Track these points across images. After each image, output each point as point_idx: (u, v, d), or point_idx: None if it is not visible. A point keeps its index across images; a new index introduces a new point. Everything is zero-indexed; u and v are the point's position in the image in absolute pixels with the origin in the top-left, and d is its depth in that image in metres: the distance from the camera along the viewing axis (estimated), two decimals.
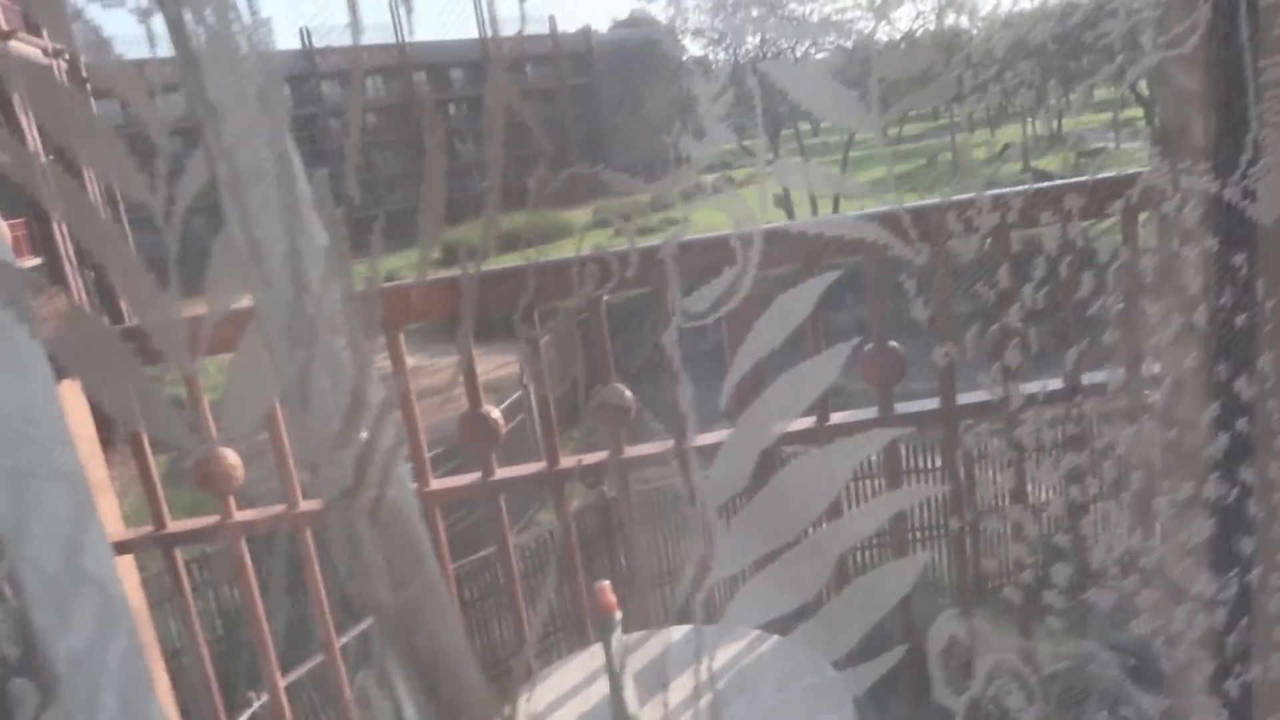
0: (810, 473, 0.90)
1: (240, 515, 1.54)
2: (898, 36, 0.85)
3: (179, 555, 1.56)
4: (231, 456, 1.49)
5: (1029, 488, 1.29)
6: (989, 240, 0.93)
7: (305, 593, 1.63)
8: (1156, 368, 0.87)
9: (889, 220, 0.87)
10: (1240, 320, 0.75)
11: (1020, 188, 1.00)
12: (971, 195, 0.91)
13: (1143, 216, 1.28)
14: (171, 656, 1.69)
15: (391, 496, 0.71)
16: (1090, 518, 0.99)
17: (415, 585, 0.75)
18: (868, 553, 3.14)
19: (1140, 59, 0.78)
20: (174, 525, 1.54)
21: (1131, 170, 0.97)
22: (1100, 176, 0.96)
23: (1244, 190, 0.72)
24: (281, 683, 1.60)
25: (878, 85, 0.76)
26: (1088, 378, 1.00)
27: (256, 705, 3.82)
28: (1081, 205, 0.88)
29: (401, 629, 0.74)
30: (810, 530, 0.89)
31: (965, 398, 1.65)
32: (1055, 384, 1.01)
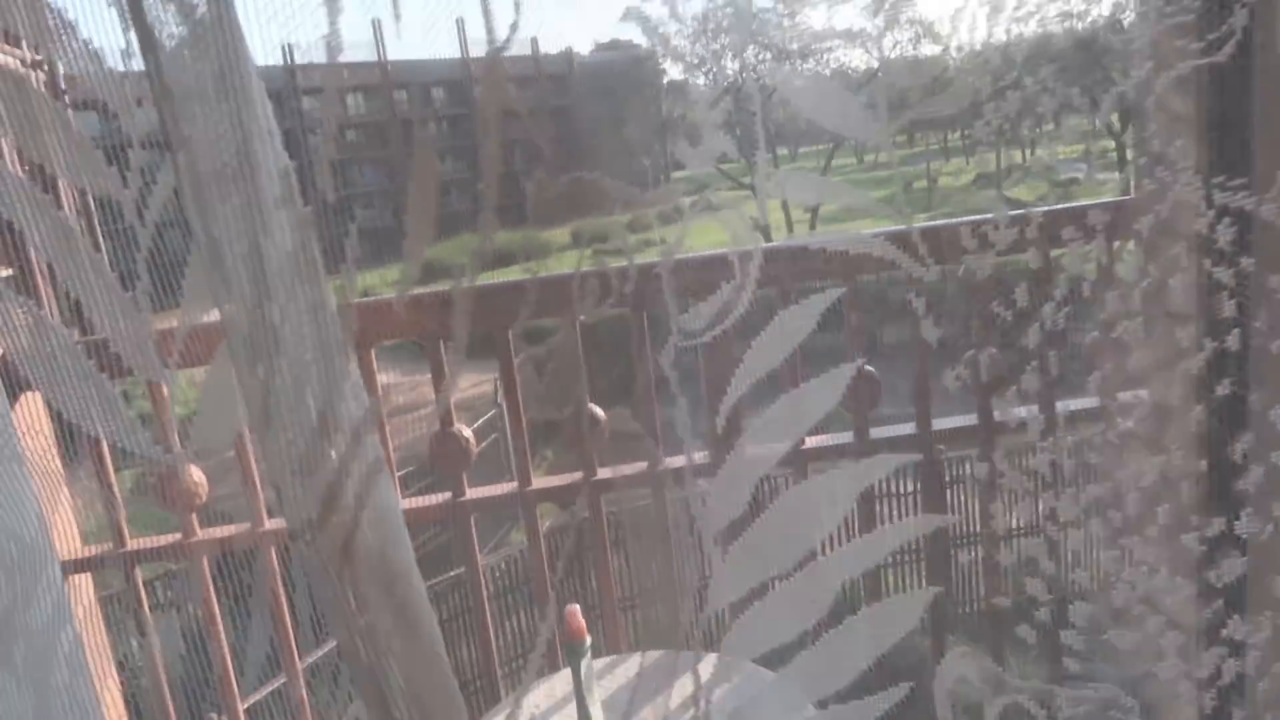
0: (811, 500, 0.89)
1: (204, 534, 1.52)
2: (875, 65, 0.86)
3: (139, 574, 1.53)
4: (196, 473, 1.47)
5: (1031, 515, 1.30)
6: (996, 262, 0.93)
7: (268, 612, 1.61)
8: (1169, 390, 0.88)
9: (899, 239, 0.87)
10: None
11: (1041, 208, 1.00)
12: (989, 216, 0.91)
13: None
14: (131, 676, 1.65)
15: (366, 527, 0.68)
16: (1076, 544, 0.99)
17: (385, 611, 0.73)
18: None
19: (1118, 90, 0.80)
20: (134, 543, 1.51)
21: (1107, 199, 0.98)
22: (1123, 199, 0.96)
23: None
24: (242, 705, 1.58)
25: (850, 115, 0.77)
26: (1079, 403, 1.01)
27: None
28: (1106, 223, 0.87)
29: (373, 659, 0.72)
30: (808, 559, 0.87)
31: (946, 422, 1.66)
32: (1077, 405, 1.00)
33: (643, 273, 0.85)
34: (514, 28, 0.65)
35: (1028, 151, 1.11)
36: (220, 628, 1.51)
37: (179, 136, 0.62)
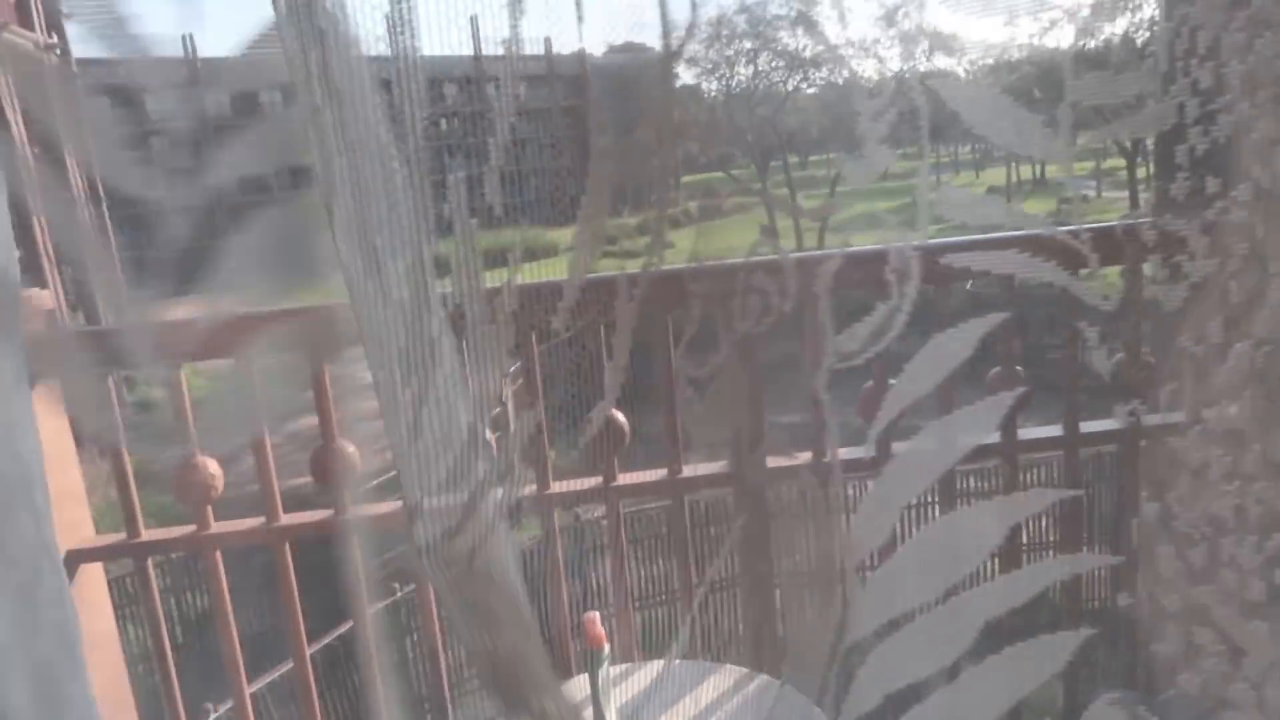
0: (957, 532, 0.86)
1: (218, 527, 1.51)
2: (888, 75, 0.86)
3: (150, 564, 1.53)
4: (212, 465, 1.46)
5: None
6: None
7: (265, 604, 1.60)
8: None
9: (1049, 244, 0.84)
10: None
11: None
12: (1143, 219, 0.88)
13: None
14: (132, 663, 1.65)
15: (500, 539, 0.66)
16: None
17: (513, 629, 0.71)
18: None
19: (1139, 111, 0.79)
20: (148, 534, 1.50)
21: (1115, 218, 0.98)
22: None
23: None
24: (248, 691, 1.57)
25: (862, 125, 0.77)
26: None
27: (213, 717, 3.75)
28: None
29: (507, 673, 0.70)
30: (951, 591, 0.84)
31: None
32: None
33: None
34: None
35: (1036, 168, 1.10)
36: (230, 618, 1.51)
37: (345, 141, 0.59)
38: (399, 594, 4.53)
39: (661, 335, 1.46)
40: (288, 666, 1.64)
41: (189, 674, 1.61)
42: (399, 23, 0.58)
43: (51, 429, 1.39)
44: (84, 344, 1.35)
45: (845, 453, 1.35)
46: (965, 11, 0.84)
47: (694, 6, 0.79)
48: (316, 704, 1.59)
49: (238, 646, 1.52)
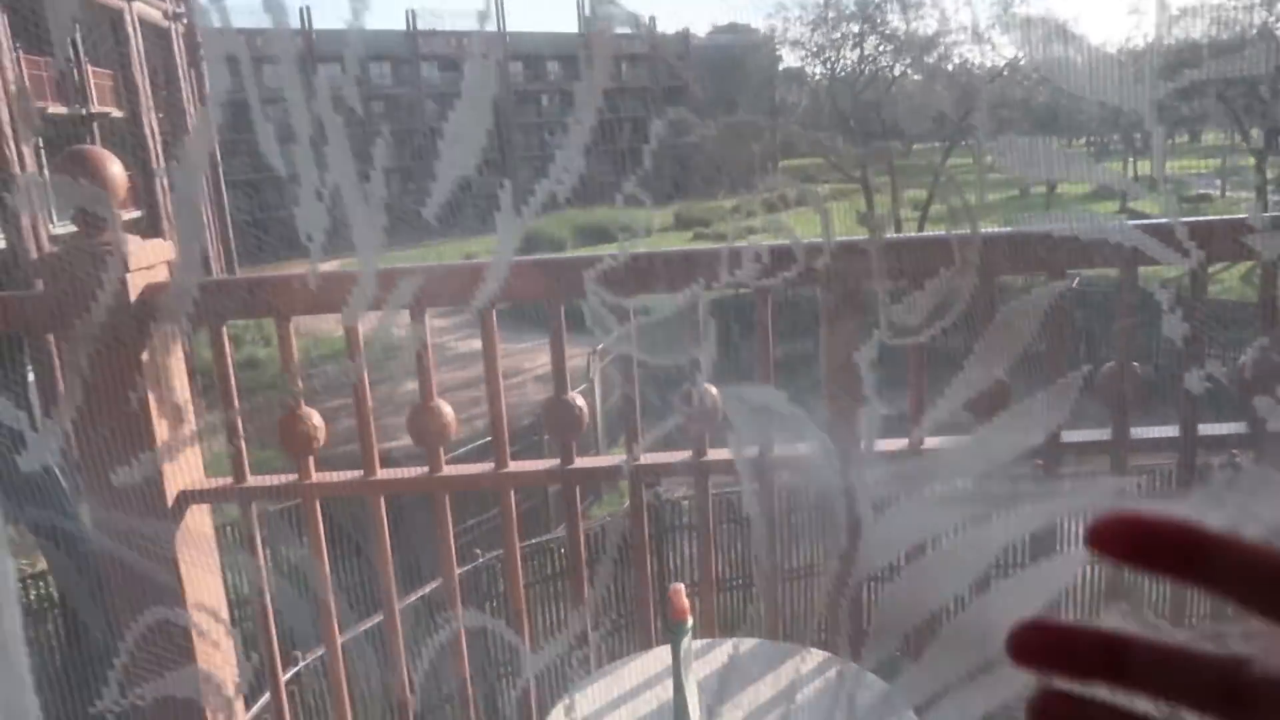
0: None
1: (318, 477, 1.56)
2: (1001, 63, 0.83)
3: (255, 510, 1.59)
4: (315, 417, 1.51)
5: None
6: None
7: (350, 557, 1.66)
8: None
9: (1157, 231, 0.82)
10: None
11: None
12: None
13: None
14: (232, 609, 1.73)
15: None
16: None
17: None
18: None
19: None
20: (253, 480, 1.57)
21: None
22: None
23: None
24: (340, 640, 1.64)
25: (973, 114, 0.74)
26: None
27: (301, 665, 3.92)
28: None
29: None
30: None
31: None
32: None
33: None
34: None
35: (1156, 163, 1.05)
36: (325, 568, 1.57)
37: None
38: (481, 559, 4.63)
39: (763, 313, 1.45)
40: (377, 619, 1.69)
41: (283, 622, 1.67)
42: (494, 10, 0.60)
43: (172, 376, 1.46)
44: (202, 293, 1.40)
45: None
46: None
47: None
48: (403, 657, 1.64)
49: (331, 594, 1.58)
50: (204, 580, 1.56)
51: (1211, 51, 0.80)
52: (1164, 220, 0.88)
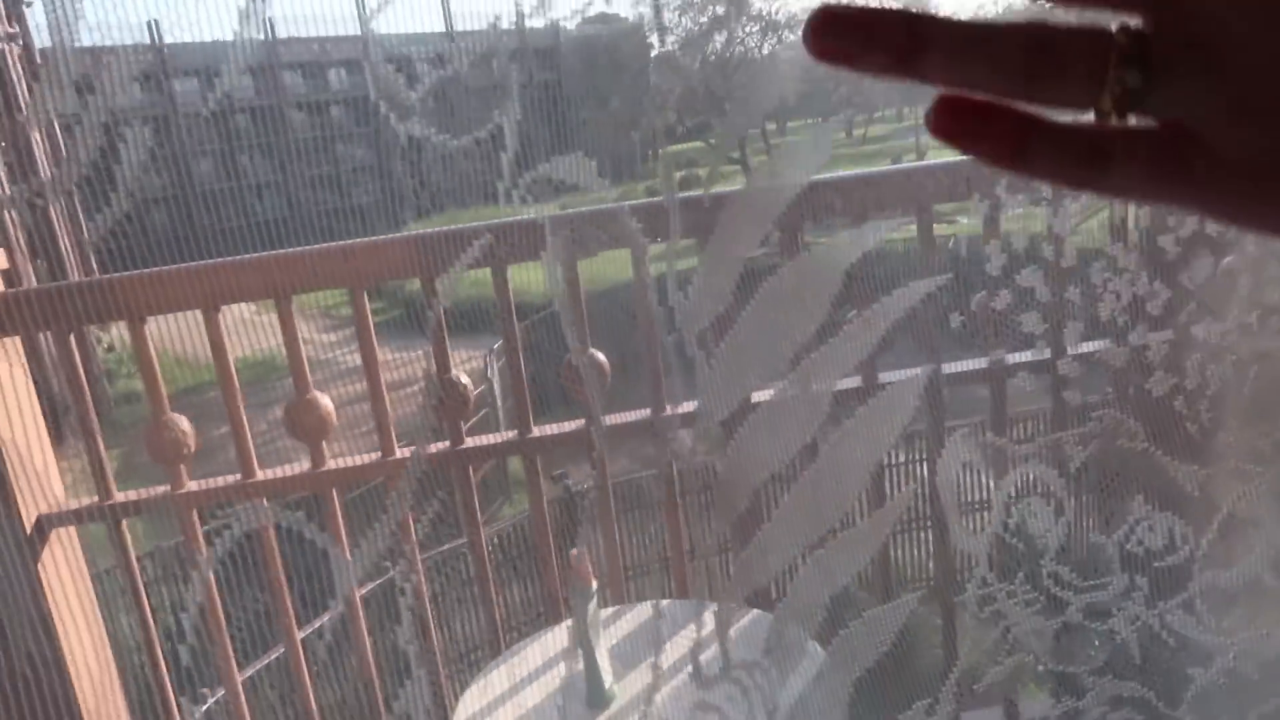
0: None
1: (193, 485, 1.46)
2: None
3: (127, 534, 1.49)
4: (184, 423, 1.43)
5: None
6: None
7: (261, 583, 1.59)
8: None
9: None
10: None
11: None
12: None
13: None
14: (123, 654, 1.64)
15: None
16: None
17: None
18: None
19: None
20: (121, 495, 1.45)
21: None
22: None
23: None
24: (239, 677, 1.57)
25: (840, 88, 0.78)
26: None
27: (211, 701, 3.76)
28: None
29: None
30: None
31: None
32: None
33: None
34: None
35: None
36: (213, 589, 1.48)
37: None
38: (394, 571, 4.53)
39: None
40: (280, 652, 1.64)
41: (180, 663, 1.59)
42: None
43: (14, 389, 1.35)
44: (45, 300, 1.31)
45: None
46: None
47: None
48: (309, 687, 1.59)
49: (223, 620, 1.49)
50: (79, 618, 1.45)
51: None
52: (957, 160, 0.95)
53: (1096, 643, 1.32)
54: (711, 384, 1.05)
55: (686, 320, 1.04)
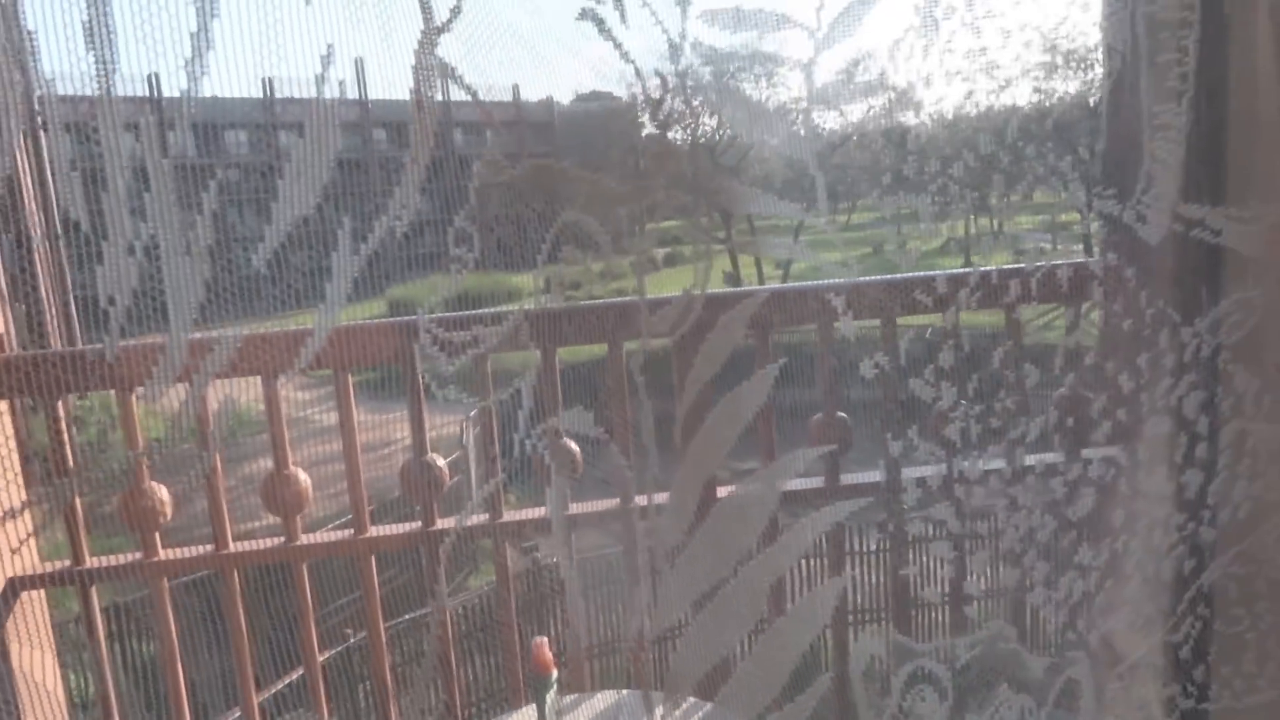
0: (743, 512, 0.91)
1: (166, 554, 1.47)
2: (849, 128, 0.88)
3: (95, 595, 1.48)
4: (161, 492, 1.44)
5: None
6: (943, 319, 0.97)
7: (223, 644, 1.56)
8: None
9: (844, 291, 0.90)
10: (1127, 325, 0.87)
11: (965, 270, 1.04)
12: (925, 274, 0.96)
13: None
14: (79, 709, 1.59)
15: None
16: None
17: None
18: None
19: (1079, 164, 0.86)
20: (93, 561, 1.46)
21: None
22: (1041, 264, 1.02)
23: (1138, 214, 0.83)
24: None
25: (824, 177, 0.80)
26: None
27: None
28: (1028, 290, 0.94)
29: None
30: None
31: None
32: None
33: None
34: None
35: (995, 221, 1.14)
36: (176, 654, 1.46)
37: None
38: (352, 640, 4.43)
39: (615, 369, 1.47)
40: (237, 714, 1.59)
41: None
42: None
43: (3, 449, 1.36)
44: (34, 366, 1.31)
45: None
46: (920, 69, 0.88)
47: (665, 57, 0.82)
48: None
49: (181, 684, 1.47)
50: (40, 680, 1.43)
51: (1034, 115, 0.87)
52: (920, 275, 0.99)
53: None
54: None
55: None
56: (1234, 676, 0.95)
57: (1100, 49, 0.84)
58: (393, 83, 0.77)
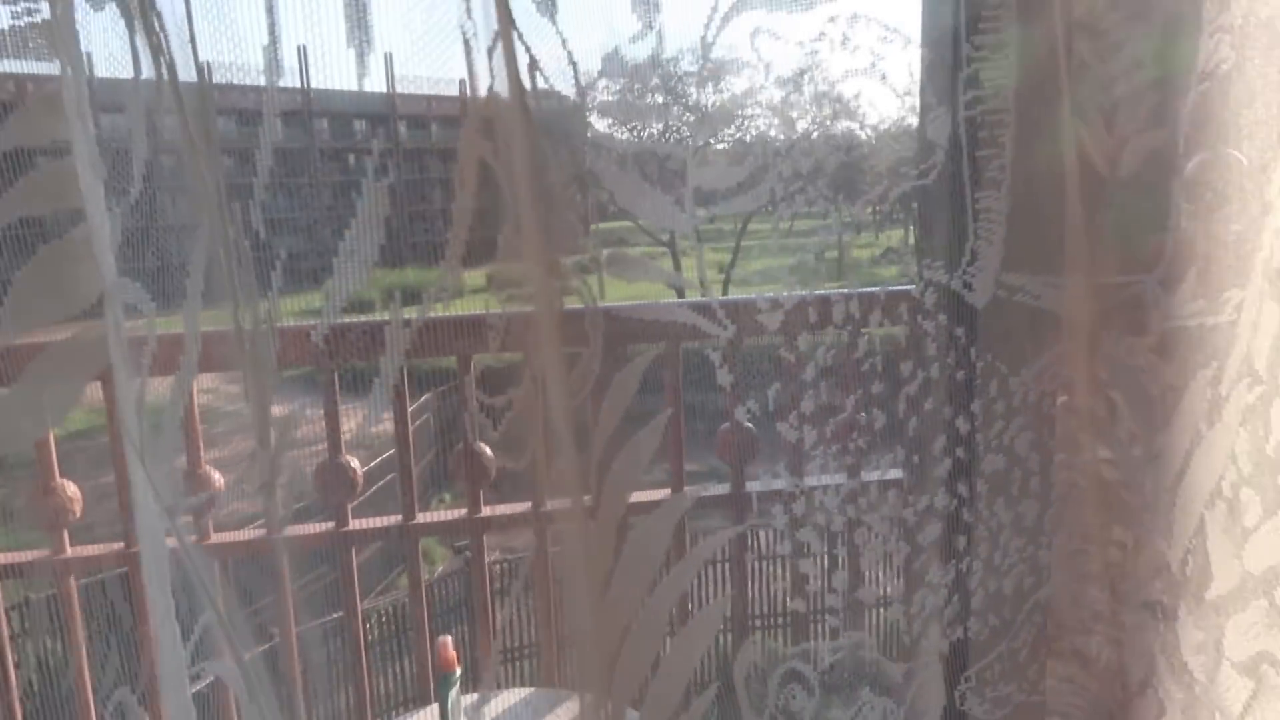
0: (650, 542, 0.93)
1: (74, 551, 1.44)
2: (795, 136, 0.89)
3: None
4: (70, 488, 1.40)
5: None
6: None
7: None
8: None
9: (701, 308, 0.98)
10: (960, 375, 0.98)
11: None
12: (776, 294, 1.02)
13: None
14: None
15: None
16: None
17: None
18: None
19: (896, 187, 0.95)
20: (1, 557, 1.42)
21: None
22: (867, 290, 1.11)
23: (964, 282, 0.94)
24: None
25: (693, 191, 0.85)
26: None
27: None
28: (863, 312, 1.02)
29: None
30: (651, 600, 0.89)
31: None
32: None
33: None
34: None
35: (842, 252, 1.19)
36: (83, 654, 1.43)
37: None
38: (276, 639, 4.35)
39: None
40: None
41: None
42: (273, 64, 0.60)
43: None
44: None
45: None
46: (866, 76, 0.90)
47: (608, 58, 0.82)
48: None
49: (89, 683, 1.43)
50: None
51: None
52: (703, 300, 1.07)
53: None
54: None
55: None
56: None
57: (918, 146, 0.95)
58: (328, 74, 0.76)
